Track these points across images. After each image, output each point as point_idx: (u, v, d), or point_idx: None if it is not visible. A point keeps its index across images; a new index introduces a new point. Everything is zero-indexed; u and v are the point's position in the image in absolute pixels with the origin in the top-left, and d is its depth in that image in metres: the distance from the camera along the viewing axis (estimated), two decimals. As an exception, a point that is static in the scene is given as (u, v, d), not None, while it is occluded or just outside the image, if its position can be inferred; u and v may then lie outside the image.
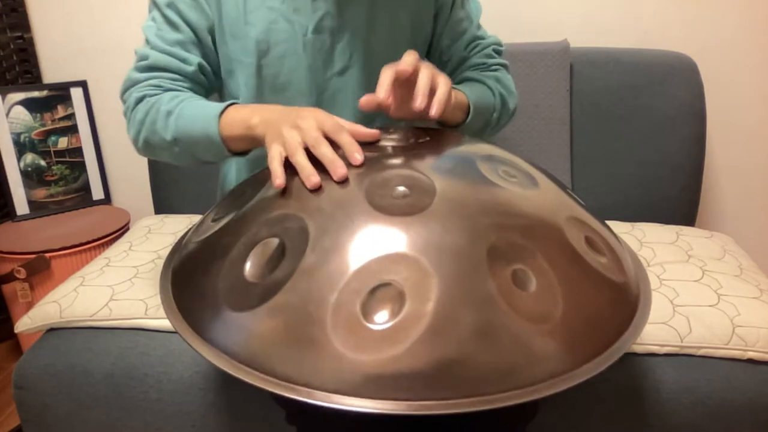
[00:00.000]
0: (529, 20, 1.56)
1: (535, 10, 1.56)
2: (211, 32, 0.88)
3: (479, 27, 1.02)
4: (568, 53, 1.42)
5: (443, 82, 0.75)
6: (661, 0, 1.52)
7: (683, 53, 1.46)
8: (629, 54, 1.45)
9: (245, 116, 0.75)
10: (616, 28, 1.55)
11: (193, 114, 0.80)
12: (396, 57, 0.93)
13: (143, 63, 0.87)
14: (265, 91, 0.90)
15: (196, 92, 0.88)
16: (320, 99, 0.91)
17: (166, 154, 0.86)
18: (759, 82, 1.55)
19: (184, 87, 0.86)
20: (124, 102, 0.88)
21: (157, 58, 0.86)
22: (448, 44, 1.00)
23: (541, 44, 1.43)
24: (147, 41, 0.88)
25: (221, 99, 0.96)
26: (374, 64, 0.90)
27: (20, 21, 1.69)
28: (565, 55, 1.42)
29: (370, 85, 0.92)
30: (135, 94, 0.85)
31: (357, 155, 0.64)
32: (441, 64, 1.03)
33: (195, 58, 0.87)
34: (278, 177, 0.64)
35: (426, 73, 0.74)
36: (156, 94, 0.84)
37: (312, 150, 0.65)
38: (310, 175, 0.62)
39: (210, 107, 0.79)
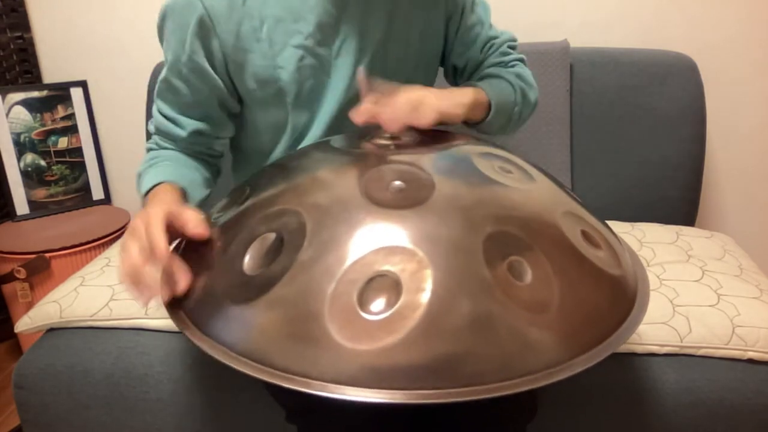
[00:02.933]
0: (529, 20, 1.56)
1: (535, 10, 1.56)
2: (220, 96, 0.89)
3: (491, 27, 1.01)
4: (568, 53, 1.42)
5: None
6: (661, 0, 1.52)
7: (683, 53, 1.46)
8: (629, 54, 1.45)
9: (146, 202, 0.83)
10: (616, 28, 1.55)
11: (141, 183, 0.88)
12: (406, 73, 0.94)
13: (151, 121, 0.94)
14: (300, 121, 0.92)
15: (191, 151, 0.93)
16: (341, 115, 0.92)
17: None
18: (759, 82, 1.55)
19: (176, 148, 0.93)
20: None
21: (158, 122, 0.92)
22: (462, 51, 1.00)
23: (541, 44, 1.43)
24: (156, 97, 0.93)
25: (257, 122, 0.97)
26: (388, 80, 0.92)
27: (20, 21, 1.69)
28: (565, 55, 1.42)
29: None
30: (147, 144, 0.96)
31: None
32: (455, 72, 1.03)
33: (190, 124, 0.90)
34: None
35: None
36: (153, 149, 0.94)
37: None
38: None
39: (146, 182, 0.86)
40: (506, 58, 0.99)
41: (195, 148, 0.93)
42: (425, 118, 0.75)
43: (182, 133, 0.90)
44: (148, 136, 0.99)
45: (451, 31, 0.98)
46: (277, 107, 0.90)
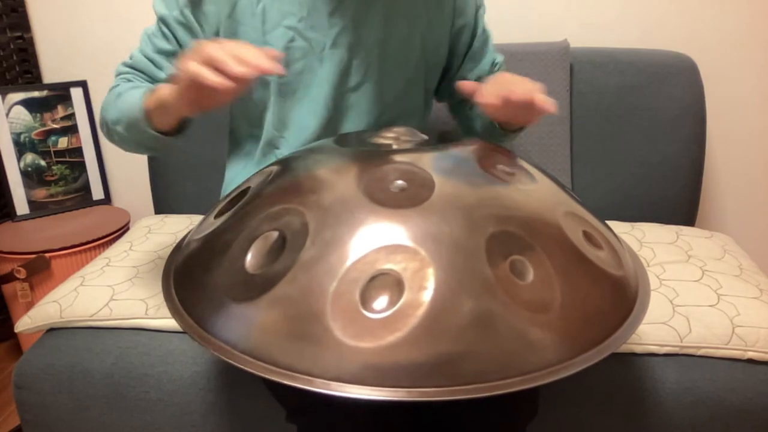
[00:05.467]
0: (529, 20, 1.56)
1: (535, 10, 1.56)
2: None
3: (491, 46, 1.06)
4: (568, 53, 1.42)
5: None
6: (661, 0, 1.52)
7: (683, 53, 1.46)
8: (629, 54, 1.45)
9: (159, 88, 0.79)
10: (616, 28, 1.55)
11: (132, 95, 0.84)
12: (407, 74, 0.95)
13: (129, 60, 0.94)
14: (285, 104, 0.93)
15: None
16: (336, 112, 0.93)
17: (117, 137, 0.90)
18: (759, 82, 1.55)
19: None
20: None
21: (138, 60, 0.92)
22: (472, 66, 1.03)
23: (541, 44, 1.43)
24: (140, 42, 0.93)
25: (240, 115, 1.00)
26: (386, 80, 0.94)
27: (20, 21, 1.69)
28: (565, 55, 1.42)
29: (382, 101, 0.94)
30: (113, 84, 0.92)
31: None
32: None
33: (171, 69, 0.90)
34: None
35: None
36: (121, 86, 0.90)
37: (230, 58, 0.66)
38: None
39: (145, 89, 0.83)
40: None
41: None
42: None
43: (162, 75, 0.91)
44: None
45: (461, 47, 1.00)
46: (262, 85, 0.91)
